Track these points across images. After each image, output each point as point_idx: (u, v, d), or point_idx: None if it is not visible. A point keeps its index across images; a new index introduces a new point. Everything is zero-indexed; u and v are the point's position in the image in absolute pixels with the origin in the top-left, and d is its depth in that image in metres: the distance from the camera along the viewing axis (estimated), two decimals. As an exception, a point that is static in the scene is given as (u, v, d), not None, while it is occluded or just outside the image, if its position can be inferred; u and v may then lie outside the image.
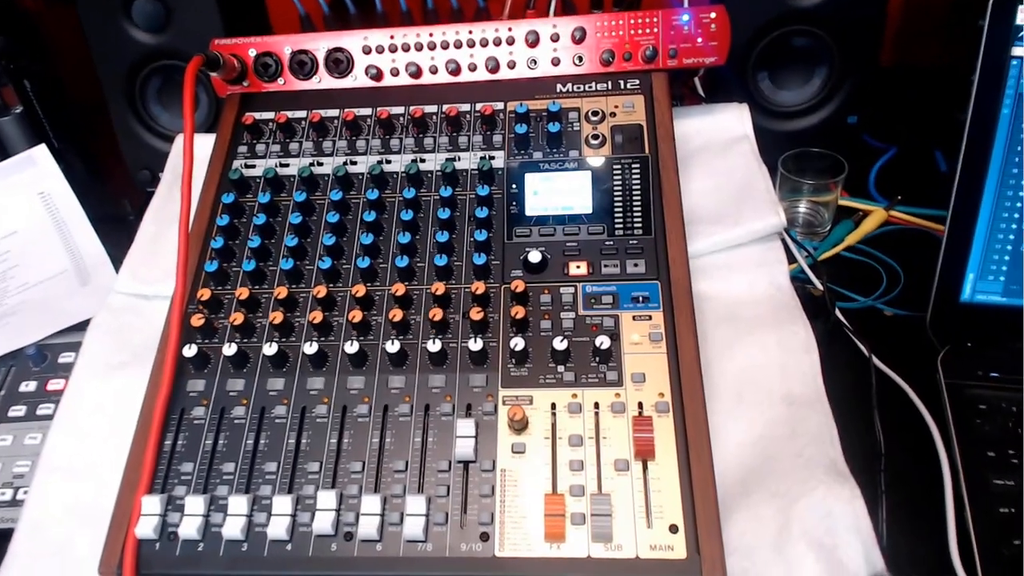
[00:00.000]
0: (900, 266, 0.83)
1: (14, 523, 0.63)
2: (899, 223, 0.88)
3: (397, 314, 0.61)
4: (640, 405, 0.57)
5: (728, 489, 0.58)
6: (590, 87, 0.74)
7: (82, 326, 0.76)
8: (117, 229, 0.86)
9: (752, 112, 0.82)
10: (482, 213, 0.66)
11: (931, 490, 0.62)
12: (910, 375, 0.69)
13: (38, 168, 0.83)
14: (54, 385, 0.77)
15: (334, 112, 0.75)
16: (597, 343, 0.59)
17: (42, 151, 0.84)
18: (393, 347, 0.60)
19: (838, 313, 0.75)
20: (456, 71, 0.76)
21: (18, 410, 0.76)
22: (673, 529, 0.52)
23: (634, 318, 0.61)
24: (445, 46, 0.75)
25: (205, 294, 0.64)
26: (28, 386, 0.78)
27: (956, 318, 0.71)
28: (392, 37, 0.76)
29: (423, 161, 0.71)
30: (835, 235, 0.86)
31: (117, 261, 0.80)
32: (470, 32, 0.75)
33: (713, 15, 0.73)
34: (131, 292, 0.77)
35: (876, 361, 0.70)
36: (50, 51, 1.03)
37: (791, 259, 0.77)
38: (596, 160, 0.70)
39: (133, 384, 0.64)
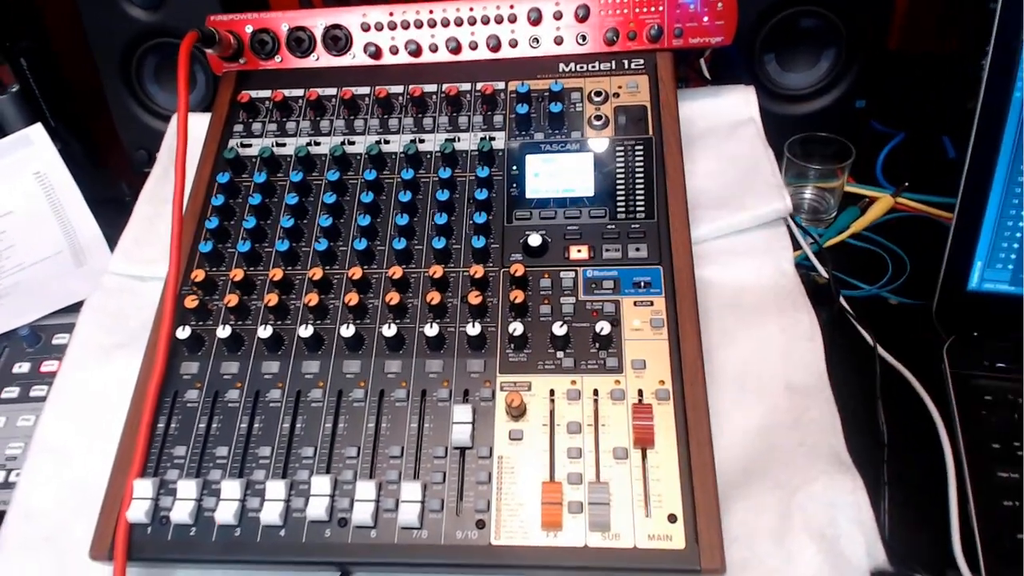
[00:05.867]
0: (906, 254, 0.82)
1: (6, 505, 0.63)
2: (906, 210, 0.87)
3: (394, 297, 0.60)
4: (640, 392, 0.56)
5: (728, 478, 0.57)
6: (593, 67, 0.73)
7: (77, 307, 0.75)
8: (114, 210, 0.85)
9: (758, 95, 0.81)
10: (482, 195, 0.65)
11: (935, 482, 0.61)
12: (915, 365, 0.68)
13: (34, 148, 0.82)
14: (48, 367, 0.77)
15: (331, 91, 0.74)
16: (597, 329, 0.58)
17: (38, 130, 0.82)
18: (390, 331, 0.59)
19: (843, 301, 0.74)
20: (456, 49, 0.74)
21: (11, 391, 0.75)
22: (672, 519, 0.51)
23: (635, 304, 0.60)
24: (445, 24, 0.74)
25: (199, 275, 0.63)
26: (22, 367, 0.77)
27: (963, 307, 0.70)
28: (391, 14, 0.74)
29: (422, 141, 0.70)
30: (841, 221, 0.85)
31: (113, 242, 0.79)
32: (471, 9, 0.73)
33: (720, -6, 0.71)
34: (125, 273, 0.76)
35: (881, 350, 0.69)
36: (47, 29, 1.01)
37: (796, 245, 0.75)
38: (598, 142, 0.68)
39: (127, 366, 0.64)
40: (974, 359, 0.67)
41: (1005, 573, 0.55)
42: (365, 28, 0.75)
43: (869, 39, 0.85)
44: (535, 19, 0.73)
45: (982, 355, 0.68)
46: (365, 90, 0.73)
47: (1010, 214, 0.67)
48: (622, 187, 0.66)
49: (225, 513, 0.54)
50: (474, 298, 0.60)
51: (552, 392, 0.57)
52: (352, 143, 0.71)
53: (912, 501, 0.60)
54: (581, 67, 0.73)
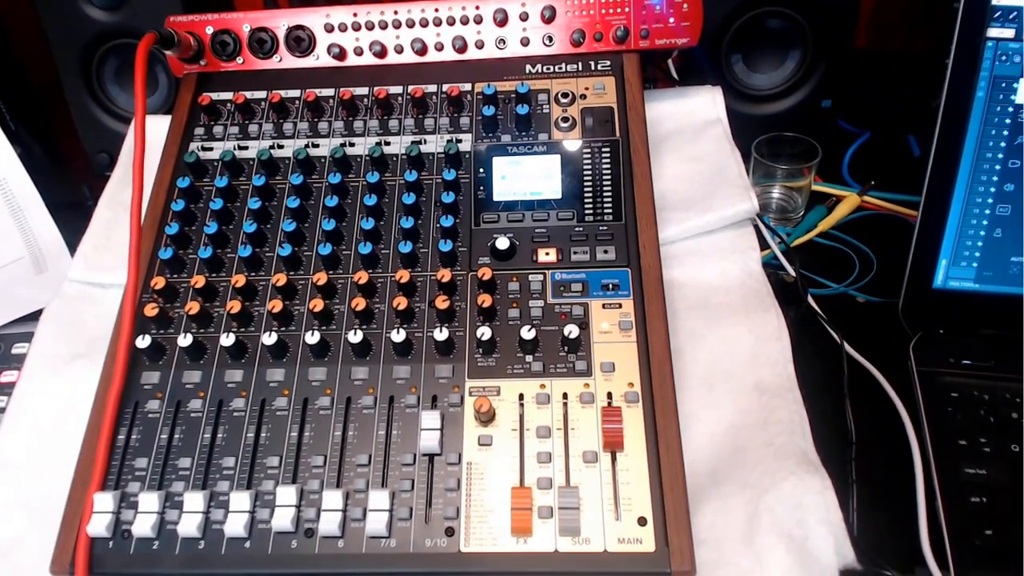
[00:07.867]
0: (873, 252, 0.83)
1: (-37, 519, 0.61)
2: (872, 209, 0.88)
3: (360, 303, 0.59)
4: (609, 395, 0.56)
5: (697, 480, 0.57)
6: (560, 68, 0.72)
7: (38, 315, 0.73)
8: (75, 215, 0.83)
9: (725, 95, 0.81)
10: (448, 198, 0.65)
11: (902, 479, 0.61)
12: (882, 362, 0.69)
13: (-8, 152, 0.80)
14: (7, 377, 0.75)
15: (295, 92, 0.72)
16: (566, 332, 0.57)
17: (-4, 134, 0.80)
18: (356, 337, 0.58)
19: (810, 300, 0.74)
20: (422, 51, 0.74)
21: (-31, 403, 0.73)
22: (642, 522, 0.51)
23: (604, 306, 0.60)
24: (411, 24, 0.73)
25: (159, 282, 0.62)
26: (-20, 378, 0.75)
27: (929, 305, 0.71)
28: (355, 15, 0.73)
29: (388, 144, 0.69)
30: (808, 221, 0.85)
31: (75, 248, 0.77)
32: (436, 10, 0.73)
33: (686, -5, 0.71)
34: (85, 280, 0.74)
35: (848, 348, 0.70)
36: (6, 29, 0.99)
37: (764, 245, 0.76)
38: (566, 144, 0.68)
39: (87, 376, 0.62)
40: (940, 356, 0.68)
41: (973, 569, 0.55)
42: (329, 29, 0.74)
43: (835, 39, 0.85)
44: (501, 20, 0.72)
45: (948, 352, 0.68)
46: (329, 92, 0.72)
47: (973, 212, 0.67)
48: (589, 189, 0.65)
49: (188, 526, 0.53)
50: (441, 302, 0.59)
51: (521, 396, 0.57)
52: (316, 146, 0.70)
53: (880, 499, 0.61)
54: (548, 68, 0.72)
